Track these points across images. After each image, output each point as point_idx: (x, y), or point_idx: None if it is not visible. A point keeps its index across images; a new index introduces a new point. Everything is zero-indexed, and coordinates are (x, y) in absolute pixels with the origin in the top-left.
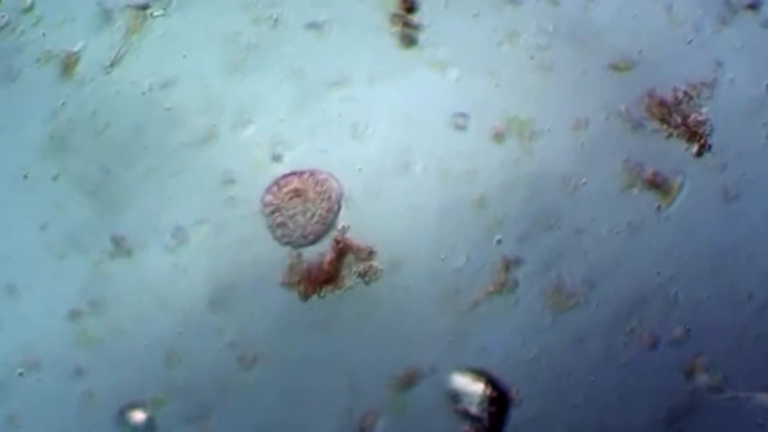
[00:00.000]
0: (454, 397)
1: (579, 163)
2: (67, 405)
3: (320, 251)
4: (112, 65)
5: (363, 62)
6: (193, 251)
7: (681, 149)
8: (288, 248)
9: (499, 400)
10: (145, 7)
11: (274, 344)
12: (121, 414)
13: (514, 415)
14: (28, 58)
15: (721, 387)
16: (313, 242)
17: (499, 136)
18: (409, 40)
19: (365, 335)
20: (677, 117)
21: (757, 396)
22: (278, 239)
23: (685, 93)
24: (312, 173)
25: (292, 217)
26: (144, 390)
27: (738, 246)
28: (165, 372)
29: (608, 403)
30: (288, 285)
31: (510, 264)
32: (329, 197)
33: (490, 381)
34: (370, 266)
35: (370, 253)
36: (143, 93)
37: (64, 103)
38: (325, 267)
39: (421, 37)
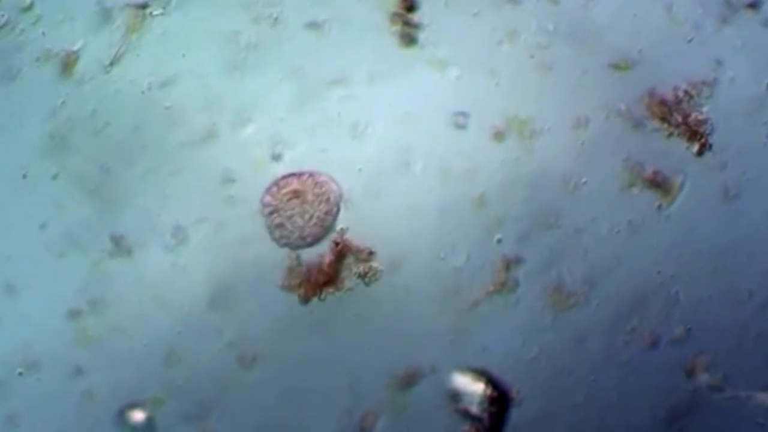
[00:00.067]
0: (455, 396)
1: (579, 162)
2: (67, 404)
3: (320, 253)
4: (111, 64)
5: (363, 61)
6: (193, 250)
7: (681, 148)
8: (287, 249)
9: (499, 399)
10: (144, 6)
11: (274, 344)
12: (121, 413)
13: (515, 415)
14: (28, 57)
15: (722, 386)
16: (311, 244)
17: (499, 135)
18: (409, 39)
19: (365, 335)
20: (678, 116)
21: (757, 395)
22: (276, 240)
23: (686, 92)
24: (312, 175)
25: (290, 218)
26: (143, 389)
27: (738, 245)
28: (164, 371)
29: (609, 403)
30: (288, 288)
31: (510, 263)
32: (328, 199)
33: (491, 380)
34: (370, 267)
35: (370, 254)
36: (143, 92)
37: (63, 102)
38: (325, 269)
39: (421, 36)
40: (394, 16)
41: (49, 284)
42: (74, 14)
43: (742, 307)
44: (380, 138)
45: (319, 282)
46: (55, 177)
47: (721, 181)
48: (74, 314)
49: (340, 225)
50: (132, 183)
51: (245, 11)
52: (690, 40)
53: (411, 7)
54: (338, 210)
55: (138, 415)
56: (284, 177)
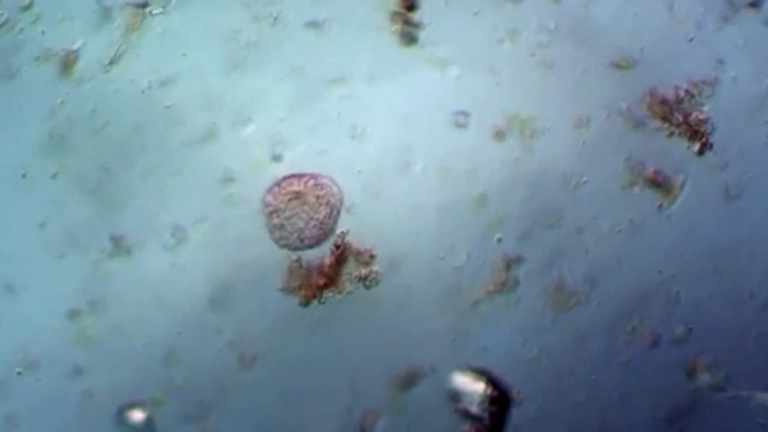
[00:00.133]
0: (455, 396)
1: (580, 161)
2: (66, 404)
3: (320, 255)
4: (111, 63)
5: (363, 61)
6: (193, 250)
7: (682, 148)
8: (287, 251)
9: (499, 399)
10: (144, 5)
11: (274, 344)
12: (120, 413)
13: (515, 415)
14: (27, 56)
15: (723, 386)
16: (310, 246)
17: (499, 135)
18: (409, 38)
19: (365, 334)
20: (679, 115)
21: (758, 395)
22: (276, 241)
23: (687, 91)
24: (314, 177)
25: (289, 219)
26: (143, 389)
27: (740, 244)
28: (164, 371)
29: (609, 403)
30: (287, 290)
31: (511, 263)
32: (328, 202)
33: (491, 380)
34: (371, 271)
35: (371, 257)
36: (142, 91)
37: (63, 102)
38: (325, 271)
39: (422, 35)
40: (395, 15)
41: (48, 284)
42: (74, 13)
43: (744, 307)
44: (380, 138)
45: (318, 284)
46: (54, 176)
47: (723, 180)
48: (74, 314)
49: (340, 227)
50: (132, 182)
51: (245, 10)
52: (691, 39)
53: (411, 6)
54: (339, 214)
55: (137, 415)
56: (286, 177)
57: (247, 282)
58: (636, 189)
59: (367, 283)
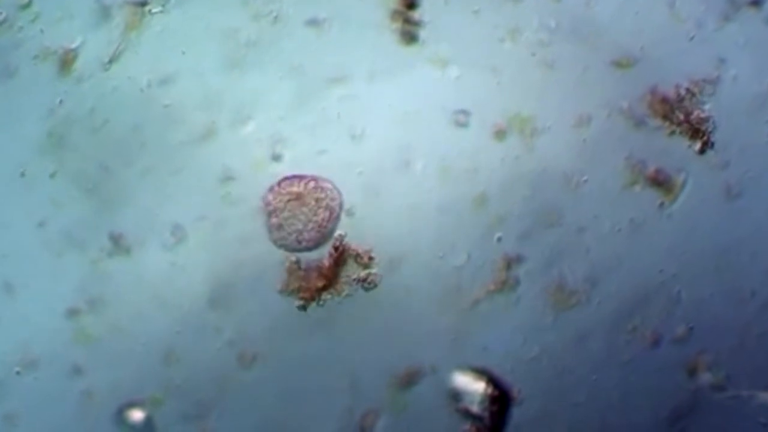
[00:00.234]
0: (455, 396)
1: (581, 160)
2: (65, 404)
3: (319, 257)
4: (110, 62)
5: (363, 59)
6: (192, 249)
7: (683, 146)
8: (287, 252)
9: (500, 399)
10: (143, 4)
11: (274, 343)
12: (120, 413)
13: (516, 414)
14: (26, 54)
15: (724, 385)
16: (309, 249)
17: (500, 134)
18: (409, 37)
19: (365, 334)
20: (680, 114)
21: (759, 395)
22: (274, 241)
23: (688, 90)
24: (315, 179)
25: (287, 220)
26: (142, 389)
27: (741, 244)
28: (163, 371)
29: (610, 402)
30: (286, 292)
31: (511, 262)
32: (327, 206)
33: (491, 380)
34: (369, 273)
35: (370, 259)
36: (142, 90)
37: (61, 100)
38: (324, 273)
39: (422, 33)
40: (395, 14)
41: (47, 283)
42: (73, 12)
43: (745, 306)
44: (380, 137)
45: (317, 286)
46: (53, 175)
47: (724, 179)
48: (73, 313)
49: (340, 228)
50: (131, 181)
51: (245, 8)
52: (692, 38)
53: (411, 5)
54: (338, 217)
55: (137, 415)
56: (287, 178)
57: (247, 281)
58: (637, 188)
59: (366, 285)
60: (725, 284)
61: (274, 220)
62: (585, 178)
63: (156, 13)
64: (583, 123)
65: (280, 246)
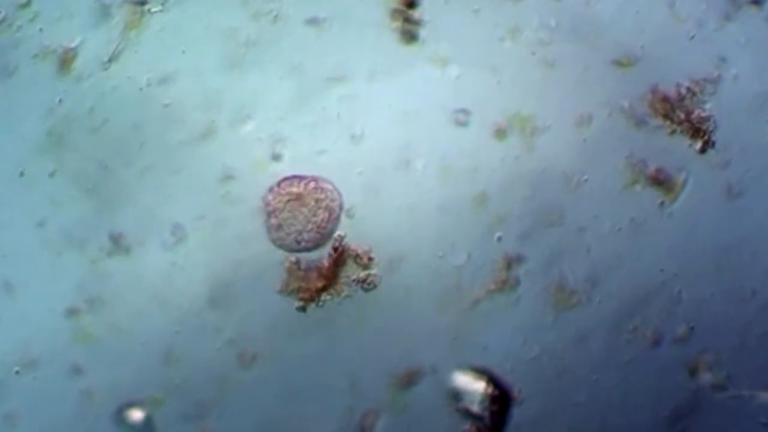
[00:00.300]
0: (456, 395)
1: (581, 159)
2: (65, 403)
3: (319, 257)
4: (109, 61)
5: (363, 58)
6: (192, 249)
7: (684, 146)
8: (286, 253)
9: (500, 398)
10: (142, 3)
11: (274, 342)
12: (119, 413)
13: (516, 414)
14: (25, 53)
15: (725, 385)
16: (308, 249)
17: (500, 133)
18: (409, 36)
19: (366, 334)
20: (680, 113)
21: (760, 394)
22: (273, 241)
23: (689, 89)
24: (315, 180)
25: (287, 220)
26: (142, 388)
27: (742, 243)
28: (163, 370)
29: (610, 402)
30: (285, 292)
31: (511, 261)
32: (327, 206)
33: (492, 379)
34: (369, 274)
35: (370, 260)
36: (141, 89)
37: (61, 100)
38: (324, 273)
39: (422, 32)
40: (395, 13)
41: (46, 283)
42: (72, 11)
43: (746, 306)
44: (380, 136)
45: (317, 287)
46: (52, 174)
47: (725, 178)
48: (72, 313)
49: (340, 229)
50: (130, 181)
51: (244, 7)
52: (693, 37)
53: (411, 4)
54: (338, 218)
55: (136, 415)
56: (287, 178)
57: (247, 281)
58: (637, 187)
59: (366, 285)
60: (726, 284)
61: (273, 220)
62: (585, 177)
63: (155, 12)
64: (584, 122)
65: (280, 246)
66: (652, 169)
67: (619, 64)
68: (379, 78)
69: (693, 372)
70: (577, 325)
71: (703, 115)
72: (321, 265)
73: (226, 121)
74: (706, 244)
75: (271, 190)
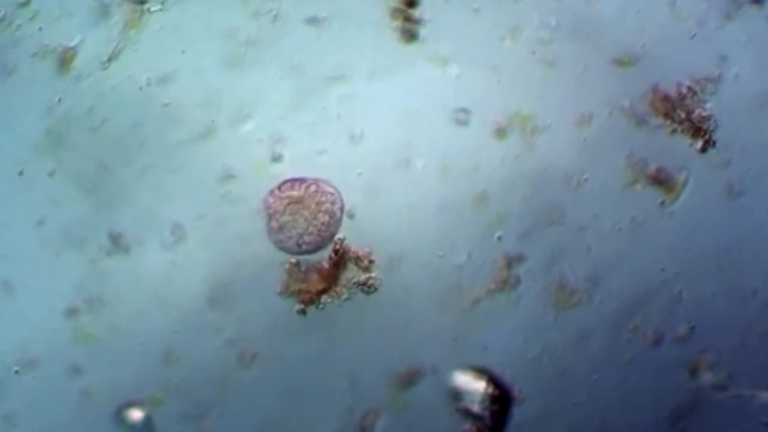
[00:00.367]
0: (456, 395)
1: (582, 158)
2: (64, 403)
3: (319, 259)
4: (109, 60)
5: (363, 58)
6: (192, 248)
7: (685, 145)
8: (286, 255)
9: (500, 398)
10: (142, 2)
11: (274, 342)
12: (119, 412)
13: (516, 414)
14: (25, 52)
15: (726, 385)
16: (308, 252)
17: (500, 132)
18: (409, 35)
19: (366, 333)
20: (681, 112)
21: (761, 394)
22: (274, 243)
23: (689, 88)
24: (316, 183)
25: (287, 223)
26: (142, 388)
27: (743, 242)
28: (163, 370)
29: (611, 402)
30: (286, 294)
31: (512, 261)
32: (328, 209)
33: (492, 379)
34: (369, 277)
35: (370, 262)
36: (141, 88)
37: (60, 99)
38: (324, 275)
39: (422, 32)
40: (395, 12)
41: (46, 282)
42: (72, 10)
43: (747, 305)
44: (380, 135)
45: (317, 289)
46: (52, 174)
47: (725, 178)
48: (71, 312)
49: (340, 230)
50: (130, 180)
51: (244, 7)
52: (693, 36)
53: (412, 3)
54: (339, 221)
55: (136, 414)
56: (288, 181)
57: (247, 280)
58: (638, 186)
59: (366, 289)
60: (727, 283)
61: (274, 223)
62: (586, 176)
63: (155, 11)
64: (584, 121)
65: (280, 249)
66: (652, 168)
67: (619, 63)
68: (379, 77)
69: (694, 371)
70: (578, 325)
71: (704, 114)
72: (321, 268)
73: (225, 121)
74: (707, 243)
75: (271, 193)
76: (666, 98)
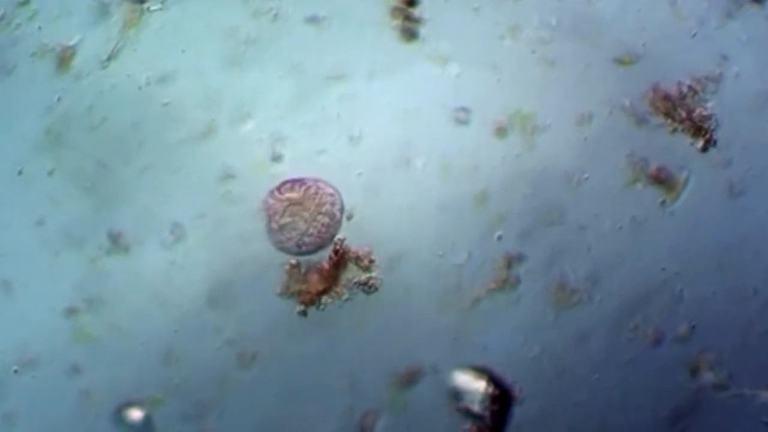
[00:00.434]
0: (456, 395)
1: (582, 158)
2: (64, 403)
3: (319, 259)
4: (108, 59)
5: (363, 57)
6: (191, 248)
7: (686, 144)
8: (286, 255)
9: (501, 398)
10: (142, 1)
11: (274, 342)
12: (119, 412)
13: (517, 413)
14: (24, 52)
15: (726, 384)
16: (308, 253)
17: (501, 131)
18: (409, 34)
19: (366, 333)
20: (682, 111)
21: (762, 394)
22: (273, 244)
23: (690, 87)
24: (316, 184)
25: (287, 225)
26: (141, 388)
27: (743, 242)
28: (162, 370)
29: (611, 402)
30: (286, 295)
31: (512, 260)
32: (328, 211)
33: (492, 379)
34: (370, 277)
35: (370, 262)
36: (140, 88)
37: (59, 98)
38: (324, 276)
39: (422, 30)
40: (395, 11)
41: (45, 282)
42: (71, 9)
43: (747, 305)
44: (380, 135)
45: (318, 290)
46: (51, 173)
47: (726, 177)
48: (71, 312)
49: (340, 230)
50: (129, 179)
51: (244, 6)
52: (694, 35)
53: (412, 2)
54: (339, 223)
55: (136, 414)
56: (289, 181)
57: (247, 280)
58: (639, 186)
59: (367, 289)
60: (728, 282)
61: (273, 224)
62: (586, 176)
63: (155, 10)
64: (585, 121)
65: (280, 249)
66: (653, 167)
67: (620, 62)
68: (379, 76)
69: (694, 371)
70: (578, 324)
71: (705, 113)
72: (321, 268)
73: (225, 120)
74: (708, 242)
75: (271, 194)
76: (667, 97)
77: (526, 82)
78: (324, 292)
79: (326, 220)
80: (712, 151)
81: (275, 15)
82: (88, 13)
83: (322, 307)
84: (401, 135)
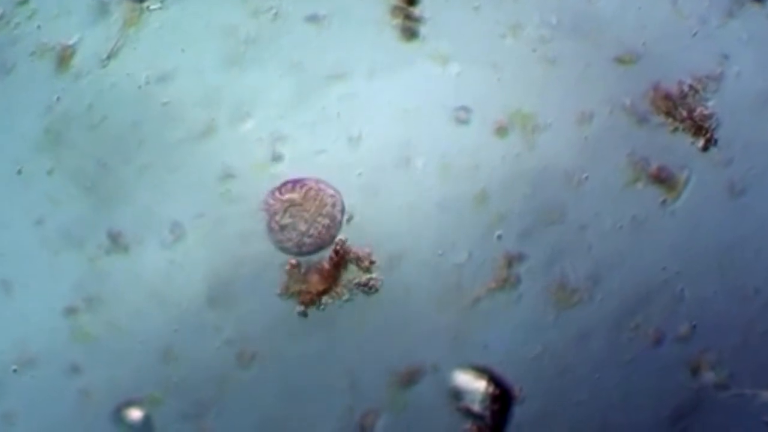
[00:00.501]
0: (456, 395)
1: (583, 157)
2: (63, 402)
3: (319, 259)
4: (108, 58)
5: (363, 56)
6: (191, 247)
7: (687, 143)
8: (286, 255)
9: (501, 397)
10: (141, 0)
11: (273, 341)
12: (118, 411)
13: (517, 413)
14: (23, 51)
15: (727, 384)
16: (309, 253)
17: (501, 131)
18: (410, 33)
19: (366, 332)
20: (683, 111)
21: (763, 393)
22: (274, 244)
23: (691, 86)
24: (317, 185)
25: (287, 225)
26: (140, 387)
27: (744, 241)
28: (162, 369)
29: (612, 401)
30: (286, 295)
31: (512, 260)
32: (328, 212)
33: (493, 378)
34: (370, 278)
35: (371, 263)
36: (140, 87)
37: (59, 97)
38: (324, 276)
39: (423, 29)
40: (395, 10)
41: (45, 281)
42: (70, 8)
43: (748, 304)
44: (380, 134)
45: (318, 290)
46: (50, 172)
47: (727, 176)
48: (70, 311)
49: (341, 233)
50: (129, 179)
51: (244, 5)
52: (695, 34)
53: (412, 1)
54: (339, 224)
55: (135, 414)
56: (289, 182)
57: (246, 279)
58: (639, 185)
59: (367, 290)
60: (729, 282)
61: (274, 224)
62: (586, 175)
63: (154, 9)
64: (585, 120)
65: (280, 249)
66: (654, 167)
67: (620, 61)
68: (379, 75)
69: (695, 371)
70: (579, 324)
71: (706, 112)
72: (322, 268)
73: (225, 119)
74: (709, 242)
75: (271, 194)
76: (667, 96)
77: (526, 81)
78: (324, 292)
79: (327, 221)
80: (713, 150)
81: (275, 14)
82: (87, 12)
83: (322, 307)
84: (401, 134)
